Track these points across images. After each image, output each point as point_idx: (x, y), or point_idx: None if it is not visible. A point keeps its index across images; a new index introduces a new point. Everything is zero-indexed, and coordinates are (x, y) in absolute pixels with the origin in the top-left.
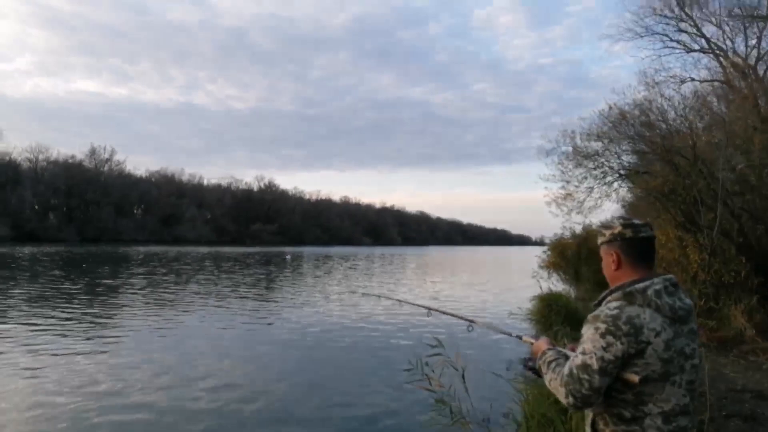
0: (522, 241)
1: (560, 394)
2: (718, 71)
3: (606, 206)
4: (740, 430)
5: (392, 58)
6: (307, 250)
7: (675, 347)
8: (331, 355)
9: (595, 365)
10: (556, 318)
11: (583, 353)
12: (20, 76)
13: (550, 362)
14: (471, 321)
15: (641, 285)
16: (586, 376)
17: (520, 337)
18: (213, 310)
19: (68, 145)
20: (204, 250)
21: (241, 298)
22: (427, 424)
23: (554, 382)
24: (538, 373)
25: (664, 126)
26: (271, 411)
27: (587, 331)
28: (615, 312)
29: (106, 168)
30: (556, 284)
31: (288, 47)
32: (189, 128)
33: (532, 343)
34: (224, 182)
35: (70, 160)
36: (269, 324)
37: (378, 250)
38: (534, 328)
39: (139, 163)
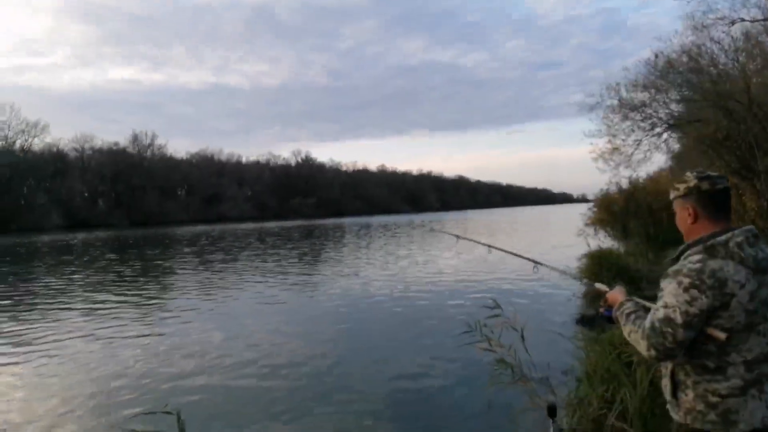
0: (564, 199)
1: (641, 346)
2: None
3: (655, 158)
4: None
5: (420, 22)
6: (348, 220)
7: (759, 298)
8: (388, 323)
9: (679, 319)
10: (608, 275)
11: (665, 307)
12: (59, 70)
13: (629, 314)
14: (536, 262)
15: (723, 238)
16: (669, 330)
17: (592, 284)
18: (266, 285)
19: (109, 132)
20: (248, 226)
21: (291, 271)
22: (490, 384)
23: (634, 335)
24: (611, 321)
25: (714, 71)
26: (335, 382)
27: (668, 285)
28: (698, 266)
29: (148, 153)
30: (603, 241)
31: (314, 19)
32: (223, 108)
33: (605, 291)
34: (262, 159)
35: (114, 148)
36: (324, 295)
37: (418, 217)
38: (585, 286)
39: (179, 146)
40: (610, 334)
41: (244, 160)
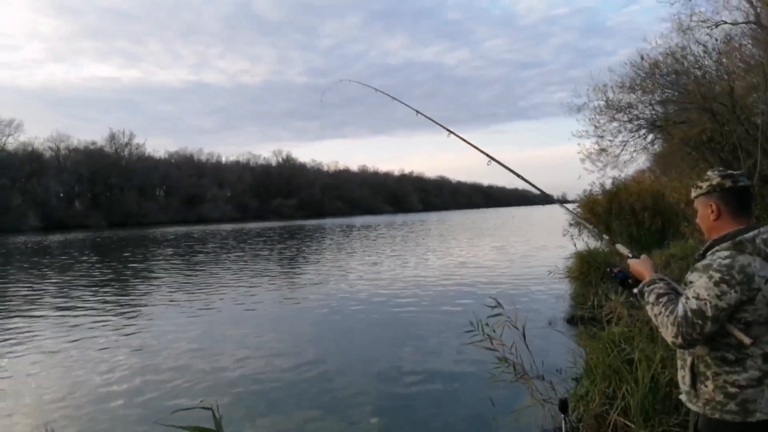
0: (544, 200)
1: (668, 332)
2: (750, 12)
3: (639, 159)
4: None
5: (401, 19)
6: (330, 221)
7: None
8: (388, 323)
9: (710, 312)
10: (596, 274)
11: (698, 299)
12: (32, 65)
13: (660, 295)
14: (546, 194)
15: (750, 234)
16: (699, 322)
17: (613, 243)
18: (259, 288)
19: (86, 131)
20: (229, 227)
21: (281, 274)
22: (492, 381)
23: (663, 318)
24: (624, 284)
25: (699, 72)
26: (337, 383)
27: (699, 279)
28: (728, 261)
29: (126, 152)
30: (588, 241)
31: (295, 15)
32: (202, 107)
33: (628, 256)
34: (242, 159)
35: (91, 147)
36: (318, 297)
37: (399, 218)
38: (572, 286)
39: (157, 145)
40: (609, 332)
41: (224, 159)
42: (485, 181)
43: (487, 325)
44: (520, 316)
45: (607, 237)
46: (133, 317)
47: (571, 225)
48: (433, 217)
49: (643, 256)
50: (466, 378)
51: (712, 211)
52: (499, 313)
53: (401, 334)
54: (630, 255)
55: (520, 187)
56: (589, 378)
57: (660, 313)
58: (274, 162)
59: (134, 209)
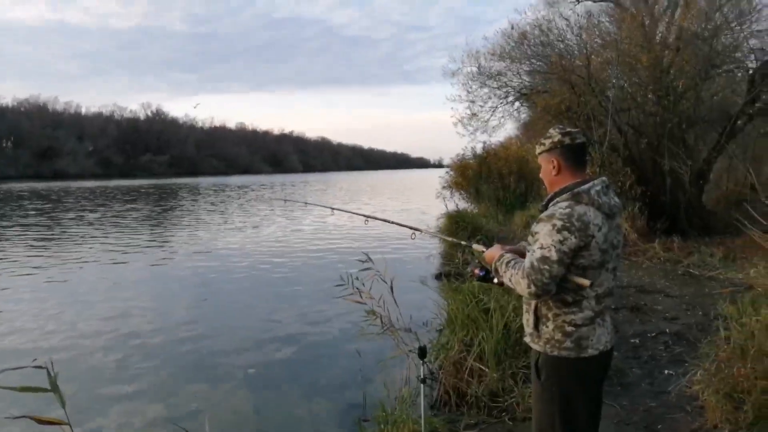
0: (422, 164)
1: (522, 286)
2: None
3: (507, 126)
4: (627, 318)
5: None
6: (204, 180)
7: (609, 240)
8: (260, 282)
9: (554, 256)
10: (463, 233)
11: (541, 247)
12: None
13: (508, 262)
14: (415, 229)
15: (586, 187)
16: (546, 267)
17: (470, 246)
18: (120, 250)
19: None
20: (90, 184)
21: (148, 234)
22: (359, 334)
23: (515, 277)
24: (487, 279)
25: (561, 45)
26: (202, 342)
27: (543, 228)
28: (568, 210)
29: None
30: (458, 202)
31: None
32: (63, 50)
33: (482, 251)
34: (106, 111)
35: None
36: (187, 260)
37: (279, 178)
38: (442, 244)
39: (11, 89)
40: (470, 285)
41: (84, 111)
42: (365, 144)
43: (357, 278)
44: (389, 272)
45: (465, 243)
46: None
47: (444, 188)
48: (314, 178)
49: (495, 245)
50: (336, 331)
51: (554, 167)
52: (369, 268)
53: (274, 293)
54: (484, 249)
55: (398, 151)
56: (450, 328)
57: (512, 276)
58: (142, 115)
59: None
